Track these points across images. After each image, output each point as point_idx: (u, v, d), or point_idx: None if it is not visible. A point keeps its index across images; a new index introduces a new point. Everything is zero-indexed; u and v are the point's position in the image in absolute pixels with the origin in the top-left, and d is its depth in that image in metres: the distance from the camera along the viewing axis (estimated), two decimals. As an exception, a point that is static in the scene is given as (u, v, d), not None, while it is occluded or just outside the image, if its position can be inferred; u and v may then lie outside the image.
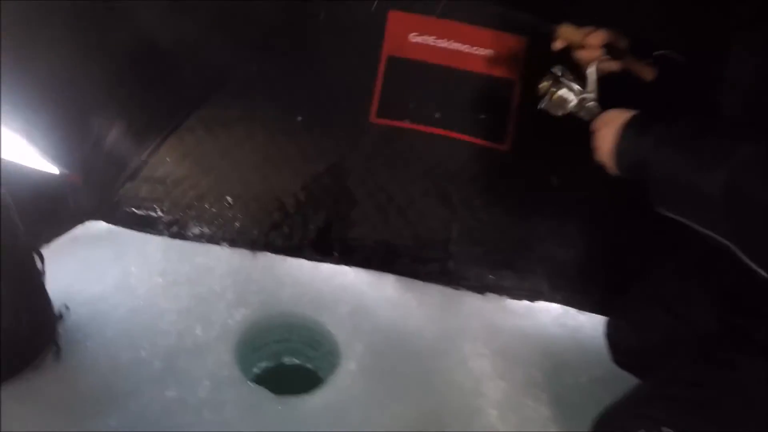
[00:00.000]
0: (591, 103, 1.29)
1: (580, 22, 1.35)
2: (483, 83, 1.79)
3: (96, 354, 1.52)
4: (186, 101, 1.83)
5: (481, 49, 1.77)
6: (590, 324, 1.80)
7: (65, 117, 1.58)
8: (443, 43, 1.78)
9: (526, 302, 1.84)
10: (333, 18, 1.77)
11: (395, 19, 1.78)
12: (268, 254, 1.85)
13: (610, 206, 1.77)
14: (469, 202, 1.83)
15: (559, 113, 1.32)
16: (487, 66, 1.78)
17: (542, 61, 1.35)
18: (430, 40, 1.78)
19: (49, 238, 1.76)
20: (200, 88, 1.82)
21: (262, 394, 1.52)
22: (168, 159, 1.85)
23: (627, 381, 1.34)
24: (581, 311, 1.83)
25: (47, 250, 1.60)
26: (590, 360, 1.67)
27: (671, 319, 1.35)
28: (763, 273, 0.92)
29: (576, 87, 1.30)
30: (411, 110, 1.81)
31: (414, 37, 1.79)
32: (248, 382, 1.55)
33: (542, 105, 1.33)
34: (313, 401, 1.52)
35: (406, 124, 1.82)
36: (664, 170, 1.03)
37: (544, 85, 1.32)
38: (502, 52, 1.77)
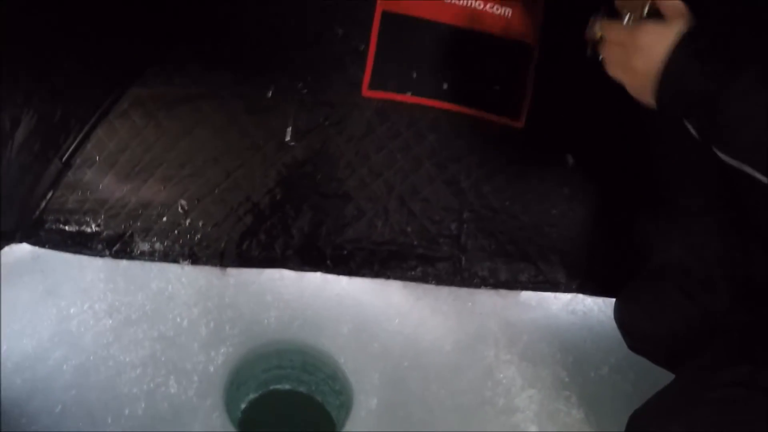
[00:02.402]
0: None
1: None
2: (498, 48, 1.45)
3: (48, 448, 1.15)
4: (114, 77, 1.33)
5: (497, 6, 1.42)
6: (598, 307, 1.68)
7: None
8: (451, -3, 1.41)
9: (537, 293, 1.67)
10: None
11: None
12: (241, 269, 1.48)
13: (625, 182, 1.60)
14: (479, 188, 1.55)
15: None
16: (503, 27, 1.44)
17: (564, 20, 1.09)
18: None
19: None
20: (132, 57, 1.32)
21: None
22: (98, 157, 1.38)
23: (643, 366, 1.35)
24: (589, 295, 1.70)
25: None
26: (605, 347, 1.58)
27: (687, 301, 1.27)
28: None
29: None
30: (414, 80, 1.45)
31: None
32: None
33: (598, 55, 1.00)
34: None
35: (407, 98, 1.46)
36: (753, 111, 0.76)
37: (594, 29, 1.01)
38: (519, 10, 1.43)
